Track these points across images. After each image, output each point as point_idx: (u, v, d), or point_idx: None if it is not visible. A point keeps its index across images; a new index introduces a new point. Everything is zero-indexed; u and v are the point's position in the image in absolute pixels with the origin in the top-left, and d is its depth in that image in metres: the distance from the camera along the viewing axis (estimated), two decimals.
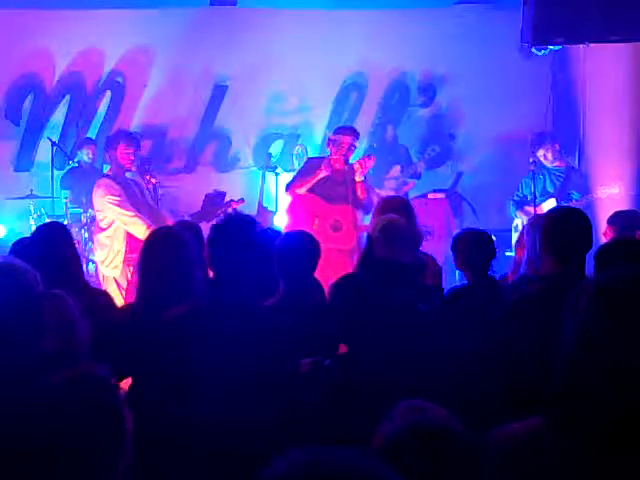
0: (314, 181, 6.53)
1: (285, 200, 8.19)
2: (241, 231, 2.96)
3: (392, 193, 7.54)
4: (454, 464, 1.61)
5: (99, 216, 6.55)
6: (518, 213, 7.37)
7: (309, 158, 7.60)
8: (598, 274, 3.45)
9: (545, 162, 7.41)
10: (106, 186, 6.39)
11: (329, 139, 6.86)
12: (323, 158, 6.63)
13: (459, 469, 1.61)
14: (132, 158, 6.46)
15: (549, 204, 7.15)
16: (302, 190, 6.60)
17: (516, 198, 7.44)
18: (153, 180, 6.58)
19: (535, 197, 7.19)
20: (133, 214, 6.29)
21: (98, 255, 6.67)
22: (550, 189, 7.36)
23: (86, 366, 2.22)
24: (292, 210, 7.00)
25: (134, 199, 6.44)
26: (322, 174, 6.49)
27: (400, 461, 1.58)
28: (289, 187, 6.85)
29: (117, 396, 1.75)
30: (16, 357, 2.09)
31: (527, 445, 1.74)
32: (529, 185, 7.37)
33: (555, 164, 7.41)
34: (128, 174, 6.56)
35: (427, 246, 5.39)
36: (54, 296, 2.31)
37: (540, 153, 7.39)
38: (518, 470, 1.73)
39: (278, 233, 4.27)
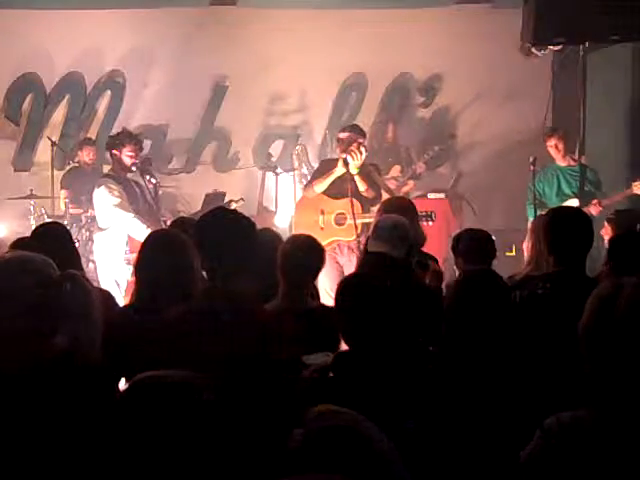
0: (331, 178, 6.56)
1: (292, 201, 8.23)
2: (229, 225, 2.93)
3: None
4: (360, 464, 1.63)
5: (99, 216, 6.55)
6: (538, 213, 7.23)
7: (323, 160, 7.66)
8: (613, 267, 3.47)
9: (556, 154, 7.29)
10: (106, 186, 6.38)
11: (337, 138, 6.90)
12: (336, 160, 6.64)
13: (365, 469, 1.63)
14: (135, 160, 6.47)
15: (571, 204, 7.06)
16: (320, 187, 6.64)
17: (536, 201, 7.32)
18: (153, 181, 6.57)
19: (537, 197, 7.15)
20: (132, 215, 6.29)
21: (98, 255, 6.67)
22: (567, 190, 7.27)
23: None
24: (299, 208, 7.08)
25: (135, 199, 6.43)
26: (338, 171, 6.50)
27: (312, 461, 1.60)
28: (307, 186, 6.92)
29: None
30: (29, 351, 2.09)
31: (571, 431, 1.84)
32: (542, 186, 7.30)
33: (567, 163, 7.34)
34: (129, 174, 6.55)
35: (430, 232, 5.38)
36: (73, 277, 2.30)
37: (551, 142, 7.30)
38: (560, 454, 1.83)
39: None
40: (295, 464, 1.61)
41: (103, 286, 6.28)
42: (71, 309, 2.20)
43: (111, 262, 6.42)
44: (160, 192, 6.85)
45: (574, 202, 7.06)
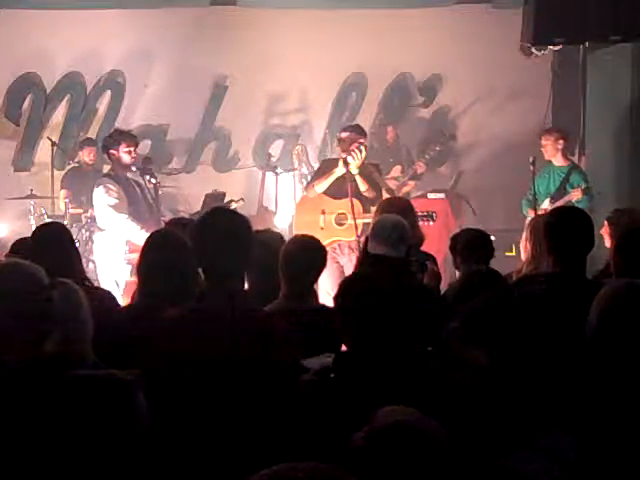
0: (332, 178, 6.56)
1: (292, 201, 8.23)
2: (227, 225, 2.91)
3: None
4: (429, 462, 1.64)
5: (97, 216, 6.56)
6: (530, 212, 7.28)
7: (323, 160, 7.67)
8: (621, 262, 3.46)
9: (544, 152, 7.40)
10: (104, 186, 6.38)
11: (337, 139, 6.91)
12: (337, 160, 6.65)
13: (433, 467, 1.64)
14: (134, 156, 6.46)
15: (546, 203, 7.18)
16: (321, 187, 6.64)
17: (529, 197, 7.37)
18: (153, 181, 6.58)
19: (535, 197, 7.18)
20: (126, 217, 6.30)
21: (98, 255, 6.67)
22: (553, 189, 7.35)
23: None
24: (300, 208, 7.08)
25: (135, 199, 6.43)
26: (339, 171, 6.50)
27: (379, 458, 1.61)
28: (308, 186, 6.93)
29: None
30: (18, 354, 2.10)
31: None
32: (538, 184, 7.35)
33: (559, 162, 7.39)
34: (129, 173, 6.54)
35: (430, 232, 5.39)
36: (62, 285, 2.32)
37: (543, 142, 7.40)
38: None
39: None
40: (358, 461, 1.62)
41: (103, 286, 6.30)
42: (60, 315, 2.21)
43: (111, 262, 6.42)
44: (160, 192, 6.85)
45: (546, 202, 7.15)
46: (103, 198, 6.37)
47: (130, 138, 6.53)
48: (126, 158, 6.43)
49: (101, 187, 6.41)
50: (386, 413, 1.72)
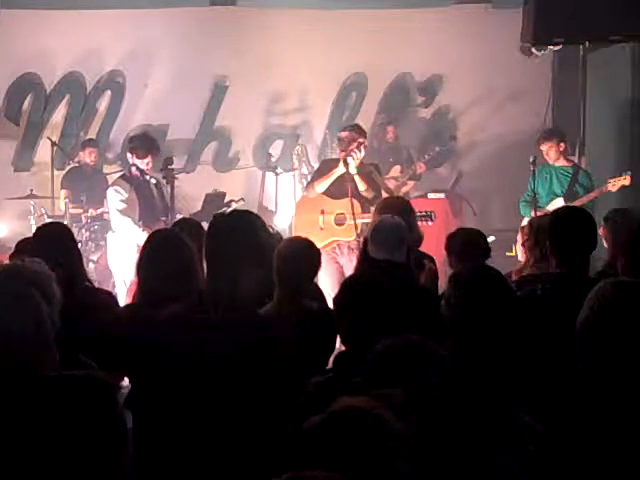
0: (332, 178, 6.57)
1: (292, 201, 8.24)
2: (241, 227, 2.91)
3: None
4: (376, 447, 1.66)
5: (111, 217, 6.72)
6: (533, 213, 7.19)
7: (323, 160, 7.68)
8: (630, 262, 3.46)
9: (547, 159, 7.36)
10: (115, 189, 6.55)
11: (337, 138, 6.92)
12: (337, 160, 6.66)
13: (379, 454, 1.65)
14: (144, 167, 6.55)
15: (556, 204, 7.08)
16: (321, 187, 6.65)
17: (528, 198, 7.30)
18: (153, 181, 6.63)
19: (535, 196, 7.15)
20: (130, 220, 6.42)
21: (110, 255, 6.77)
22: (557, 189, 7.29)
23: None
24: (299, 208, 7.09)
25: (149, 199, 6.51)
26: (339, 171, 6.51)
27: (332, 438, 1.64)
28: (308, 186, 6.95)
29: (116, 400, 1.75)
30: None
31: None
32: (537, 185, 7.30)
33: (561, 163, 7.36)
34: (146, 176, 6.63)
35: (429, 232, 5.38)
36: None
37: (543, 148, 7.34)
38: None
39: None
40: (312, 440, 1.63)
41: (118, 285, 6.38)
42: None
43: (121, 262, 6.48)
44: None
45: (560, 202, 7.08)
46: (112, 201, 6.55)
47: (145, 153, 6.54)
48: (140, 166, 6.56)
49: (112, 189, 6.60)
50: (345, 399, 1.75)
